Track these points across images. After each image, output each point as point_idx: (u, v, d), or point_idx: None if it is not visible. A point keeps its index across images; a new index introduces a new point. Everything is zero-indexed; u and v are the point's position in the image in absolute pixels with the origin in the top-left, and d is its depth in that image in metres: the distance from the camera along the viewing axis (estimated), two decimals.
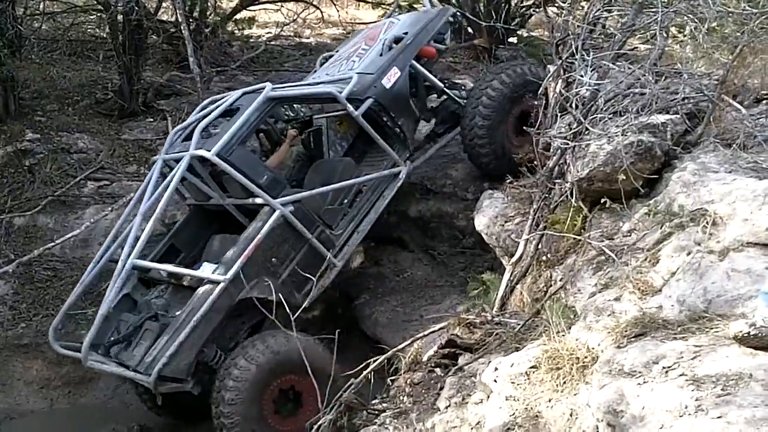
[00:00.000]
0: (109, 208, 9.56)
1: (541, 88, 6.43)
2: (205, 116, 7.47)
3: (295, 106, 8.58)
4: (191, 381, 6.69)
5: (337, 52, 9.05)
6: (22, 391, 8.67)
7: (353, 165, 7.97)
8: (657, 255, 4.41)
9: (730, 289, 3.82)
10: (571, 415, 3.64)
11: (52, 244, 9.22)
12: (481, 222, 6.97)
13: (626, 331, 3.83)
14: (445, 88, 8.22)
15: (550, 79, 6.27)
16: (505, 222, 6.70)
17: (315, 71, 9.03)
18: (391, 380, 6.06)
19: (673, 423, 2.92)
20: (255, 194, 6.96)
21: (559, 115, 5.95)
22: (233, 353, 6.68)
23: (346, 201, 7.59)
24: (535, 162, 6.29)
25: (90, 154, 10.46)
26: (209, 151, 6.78)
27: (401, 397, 5.59)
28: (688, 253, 4.18)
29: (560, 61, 6.08)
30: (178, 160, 7.17)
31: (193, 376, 6.71)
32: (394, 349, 5.99)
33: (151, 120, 11.42)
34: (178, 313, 6.81)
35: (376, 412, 5.64)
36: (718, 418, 2.83)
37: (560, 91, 5.92)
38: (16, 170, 10.11)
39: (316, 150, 8.58)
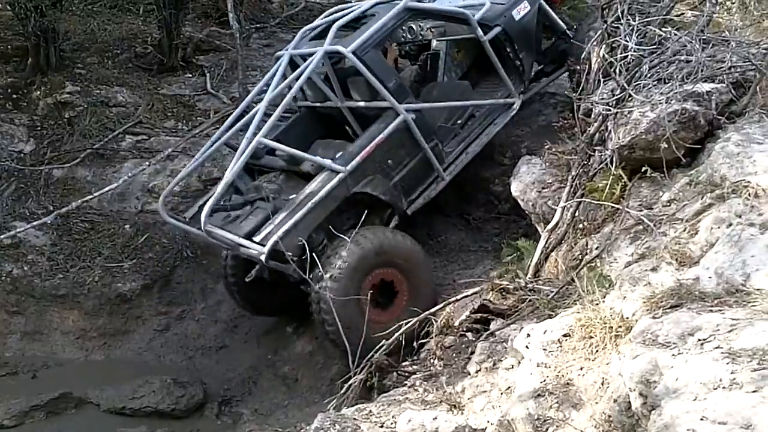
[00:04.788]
0: (147, 163, 9.63)
1: (584, 53, 6.34)
2: (335, 20, 7.72)
3: (415, 29, 8.70)
4: (294, 264, 6.77)
5: None
6: (59, 341, 8.85)
7: (470, 89, 8.21)
8: (696, 226, 4.34)
9: None
10: (602, 384, 3.61)
11: (90, 196, 9.33)
12: (517, 188, 6.91)
13: (662, 301, 3.78)
14: (566, 30, 8.34)
15: (594, 43, 6.16)
16: (542, 188, 6.64)
17: None
18: (421, 343, 6.08)
19: (707, 395, 2.89)
20: (382, 97, 7.21)
21: (602, 80, 5.85)
22: (341, 239, 6.76)
23: (459, 122, 7.84)
24: (576, 128, 6.21)
25: (129, 108, 10.54)
26: (345, 48, 7.05)
27: (432, 360, 5.62)
28: (729, 225, 4.11)
29: (605, 25, 5.97)
30: (305, 57, 7.49)
31: (298, 261, 6.81)
32: (426, 312, 6.00)
33: (190, 75, 11.46)
34: (292, 197, 7.06)
35: (407, 373, 5.66)
36: (754, 392, 2.78)
37: (604, 55, 5.82)
38: (56, 122, 10.22)
39: (431, 73, 8.88)
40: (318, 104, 8.07)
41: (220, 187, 6.85)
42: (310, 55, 7.42)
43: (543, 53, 8.55)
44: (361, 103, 7.63)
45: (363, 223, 6.86)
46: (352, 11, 7.75)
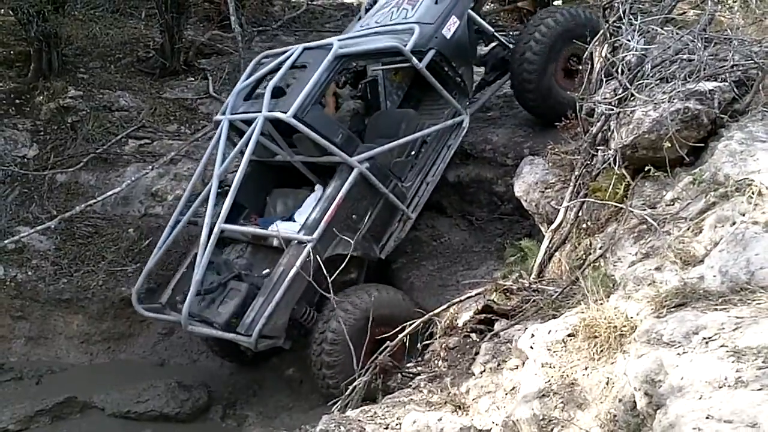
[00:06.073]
0: (150, 167, 9.65)
1: (586, 52, 6.32)
2: (265, 74, 7.63)
3: None
4: (284, 337, 6.94)
5: None
6: (63, 345, 8.86)
7: (417, 116, 8.08)
8: (700, 225, 4.33)
9: None
10: (607, 384, 3.61)
11: (94, 201, 9.34)
12: (520, 188, 6.90)
13: (666, 301, 3.77)
14: (495, 34, 8.33)
15: (596, 43, 6.15)
16: (545, 188, 6.64)
17: (359, 18, 9.11)
18: (425, 344, 6.08)
19: (713, 394, 2.88)
20: (331, 153, 7.12)
21: (604, 80, 5.84)
22: (324, 315, 6.86)
23: (413, 153, 7.77)
24: (578, 128, 6.20)
25: (131, 112, 10.55)
26: (285, 112, 6.89)
27: (436, 361, 5.60)
28: (732, 224, 4.10)
29: (607, 24, 5.96)
30: (246, 121, 7.34)
31: (285, 332, 6.95)
32: (430, 314, 5.99)
33: (192, 79, 11.48)
34: (265, 272, 7.08)
35: (411, 375, 5.65)
36: (759, 390, 2.78)
37: (606, 55, 5.81)
38: (59, 127, 10.23)
39: (372, 100, 8.74)
40: (267, 159, 7.95)
41: (192, 289, 6.73)
42: (250, 120, 7.26)
43: (481, 58, 8.56)
44: (312, 159, 7.56)
45: (335, 281, 6.77)
46: (281, 63, 7.49)
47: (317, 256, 6.73)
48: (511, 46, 8.24)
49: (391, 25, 8.03)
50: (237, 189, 7.01)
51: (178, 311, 7.08)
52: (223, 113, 7.72)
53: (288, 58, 7.49)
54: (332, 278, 6.52)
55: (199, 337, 8.09)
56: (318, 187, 7.69)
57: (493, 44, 8.49)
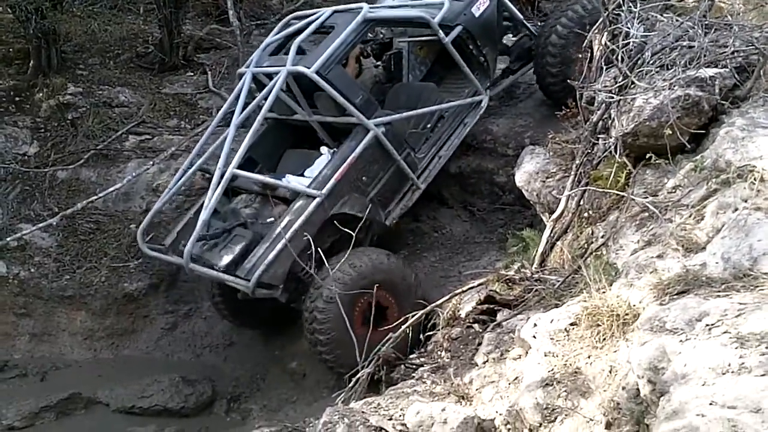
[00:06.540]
0: (151, 162, 9.64)
1: (586, 41, 6.31)
2: (292, 33, 7.75)
3: (375, 29, 8.81)
4: (281, 289, 6.97)
5: None
6: (67, 342, 8.87)
7: (436, 90, 8.19)
8: (702, 212, 4.32)
9: None
10: (610, 372, 3.60)
11: (95, 197, 9.33)
12: (521, 178, 6.89)
13: (669, 288, 3.77)
14: (524, 21, 8.47)
15: (596, 31, 6.13)
16: (547, 178, 6.62)
17: None
18: (428, 335, 6.07)
19: (716, 380, 2.87)
20: (350, 113, 7.19)
21: (604, 68, 5.83)
22: (324, 271, 6.80)
23: (429, 126, 7.87)
24: (579, 117, 6.18)
25: (131, 108, 10.53)
26: (308, 68, 6.98)
27: (439, 352, 5.60)
28: (734, 210, 4.08)
29: (606, 12, 5.94)
30: (268, 75, 7.41)
31: (283, 285, 6.98)
32: (433, 305, 6.00)
33: (191, 74, 11.45)
34: (270, 220, 7.15)
35: (414, 366, 5.65)
36: (762, 375, 2.77)
37: (606, 43, 5.79)
38: (59, 124, 10.21)
39: (395, 72, 8.89)
40: (285, 117, 8.03)
41: (198, 226, 6.85)
42: (274, 73, 7.34)
43: (508, 50, 8.65)
44: (330, 119, 7.63)
45: (342, 240, 6.74)
46: (310, 23, 7.63)
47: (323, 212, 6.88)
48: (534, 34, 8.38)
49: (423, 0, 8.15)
50: (252, 141, 7.12)
51: (181, 255, 7.12)
52: (248, 66, 7.81)
53: (317, 19, 7.61)
54: (336, 237, 6.67)
55: (213, 306, 8.33)
56: (324, 149, 7.76)
57: (520, 35, 8.60)
